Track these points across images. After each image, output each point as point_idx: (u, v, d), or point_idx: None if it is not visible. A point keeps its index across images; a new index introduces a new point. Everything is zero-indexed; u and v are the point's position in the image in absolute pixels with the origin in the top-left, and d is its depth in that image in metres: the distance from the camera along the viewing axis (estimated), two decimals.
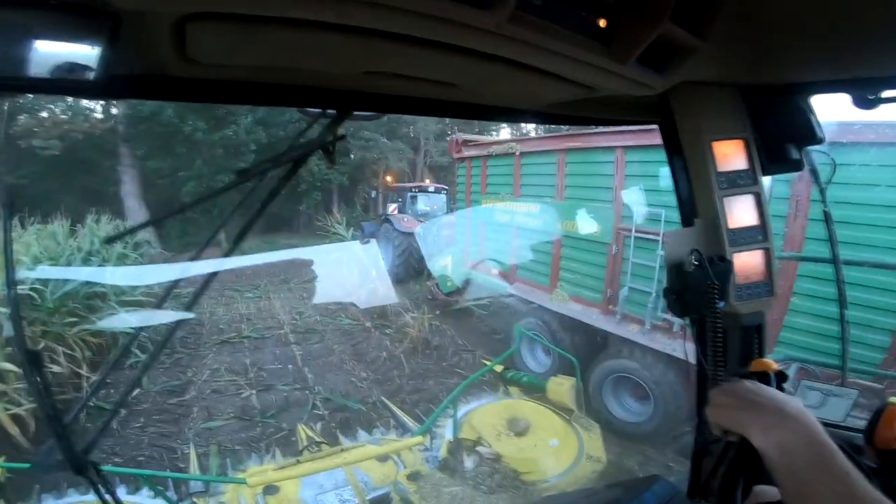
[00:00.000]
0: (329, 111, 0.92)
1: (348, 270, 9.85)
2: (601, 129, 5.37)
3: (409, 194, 12.27)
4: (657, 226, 4.78)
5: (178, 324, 1.05)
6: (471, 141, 8.26)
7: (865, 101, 0.93)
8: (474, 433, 4.31)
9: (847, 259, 2.98)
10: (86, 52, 0.59)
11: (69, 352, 5.75)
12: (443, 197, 12.66)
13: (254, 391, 6.06)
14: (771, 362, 1.05)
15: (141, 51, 0.67)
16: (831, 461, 0.62)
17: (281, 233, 16.85)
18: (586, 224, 5.60)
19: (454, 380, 6.08)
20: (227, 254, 1.12)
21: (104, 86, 0.65)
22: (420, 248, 10.23)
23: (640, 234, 4.98)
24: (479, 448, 4.18)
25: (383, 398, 5.84)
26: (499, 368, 5.45)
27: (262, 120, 15.42)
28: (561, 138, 6.26)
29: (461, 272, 8.45)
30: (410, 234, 10.61)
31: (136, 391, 5.84)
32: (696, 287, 0.95)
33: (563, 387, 4.67)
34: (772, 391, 0.76)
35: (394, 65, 0.75)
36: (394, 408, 5.57)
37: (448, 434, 4.33)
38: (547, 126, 12.43)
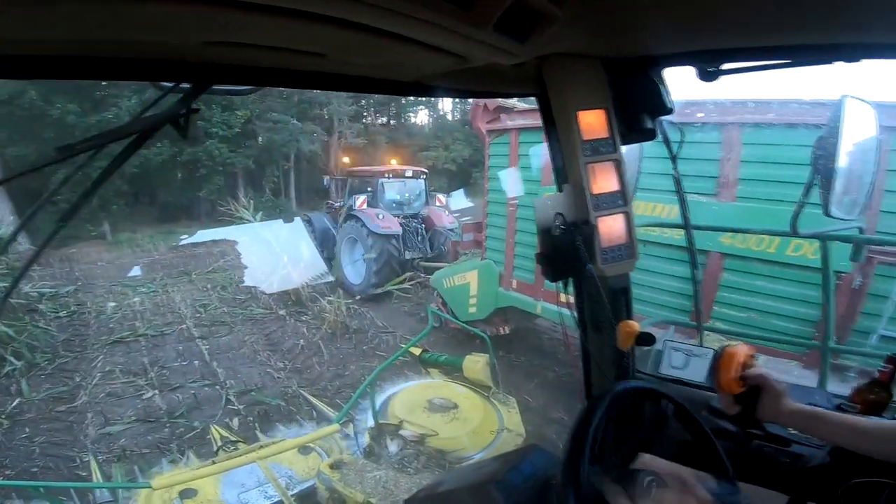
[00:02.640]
0: (184, 84, 0.85)
1: (261, 254, 9.27)
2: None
3: (381, 181, 9.62)
4: None
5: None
6: (513, 107, 5.59)
7: (707, 73, 1.01)
8: (396, 417, 4.34)
9: (696, 224, 3.21)
10: None
11: None
12: (422, 184, 10.12)
13: (157, 391, 5.69)
14: (635, 324, 1.11)
15: None
16: None
17: (178, 222, 15.55)
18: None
19: (375, 363, 6.03)
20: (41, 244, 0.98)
21: None
22: (402, 253, 8.68)
23: None
24: (402, 432, 4.19)
25: (301, 391, 5.68)
26: (417, 351, 5.41)
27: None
28: (733, 107, 3.99)
29: (492, 294, 6.00)
30: (389, 237, 8.51)
31: (17, 400, 5.36)
32: (564, 251, 1.00)
33: (478, 364, 4.74)
34: None
35: (240, 34, 0.70)
36: (312, 399, 5.45)
37: (370, 420, 4.33)
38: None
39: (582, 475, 0.73)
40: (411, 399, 4.58)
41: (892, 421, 1.04)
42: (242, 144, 15.93)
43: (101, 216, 13.73)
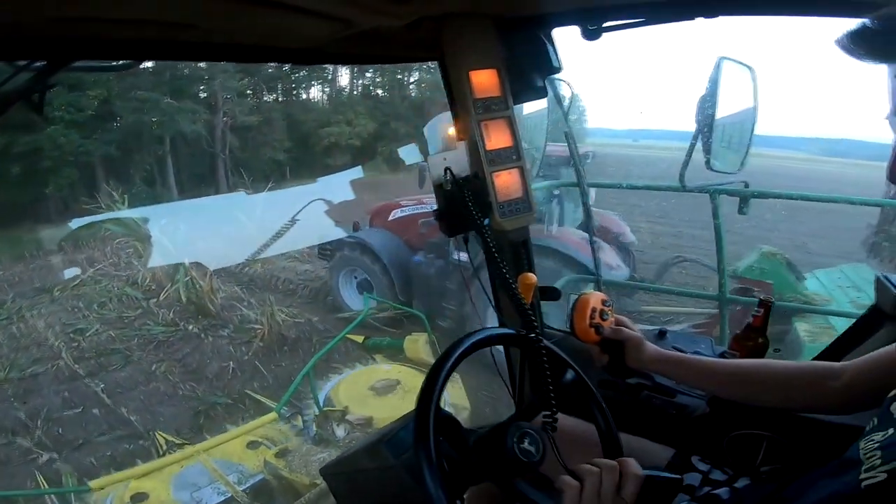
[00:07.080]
0: (38, 62, 0.85)
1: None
2: None
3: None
4: None
5: None
6: None
7: (590, 31, 1.10)
8: (341, 404, 4.59)
9: (592, 182, 3.36)
10: None
11: None
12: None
13: (55, 454, 4.54)
14: (533, 276, 1.20)
15: None
16: None
17: (22, 226, 12.88)
18: None
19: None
20: None
21: None
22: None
23: None
24: (347, 417, 4.42)
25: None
26: (360, 338, 5.62)
27: None
28: None
29: None
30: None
31: None
32: (458, 205, 1.04)
33: (417, 343, 5.07)
34: None
35: (97, 8, 0.72)
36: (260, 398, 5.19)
37: (315, 409, 4.53)
38: None
39: (430, 438, 0.75)
40: (355, 385, 4.85)
41: (739, 360, 1.13)
42: (99, 129, 13.62)
43: None
